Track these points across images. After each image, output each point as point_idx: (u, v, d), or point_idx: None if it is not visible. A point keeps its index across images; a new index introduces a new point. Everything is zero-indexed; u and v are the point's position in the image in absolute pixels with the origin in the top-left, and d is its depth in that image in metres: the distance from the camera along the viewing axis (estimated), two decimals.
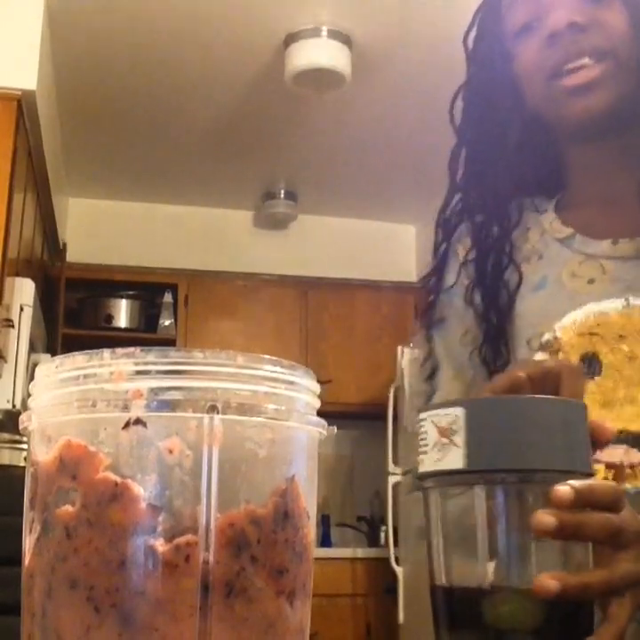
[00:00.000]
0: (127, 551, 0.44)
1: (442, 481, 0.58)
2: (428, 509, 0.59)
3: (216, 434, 0.45)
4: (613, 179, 1.00)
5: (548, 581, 0.53)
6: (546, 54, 0.95)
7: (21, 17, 3.42)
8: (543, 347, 0.94)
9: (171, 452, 0.44)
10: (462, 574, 0.58)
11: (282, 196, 5.36)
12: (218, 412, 0.45)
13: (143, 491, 0.44)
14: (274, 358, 0.48)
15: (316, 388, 0.51)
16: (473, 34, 1.10)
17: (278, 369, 0.48)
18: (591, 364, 0.91)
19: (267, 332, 5.30)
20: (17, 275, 3.65)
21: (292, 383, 0.48)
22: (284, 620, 0.46)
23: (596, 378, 0.90)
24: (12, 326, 3.57)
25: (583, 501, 0.55)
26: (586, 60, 0.93)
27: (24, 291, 3.69)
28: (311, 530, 0.49)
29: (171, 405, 0.44)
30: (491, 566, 0.56)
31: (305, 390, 0.50)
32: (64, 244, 4.86)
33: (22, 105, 3.42)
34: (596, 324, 0.93)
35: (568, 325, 0.94)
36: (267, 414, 0.46)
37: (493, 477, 0.57)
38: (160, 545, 0.44)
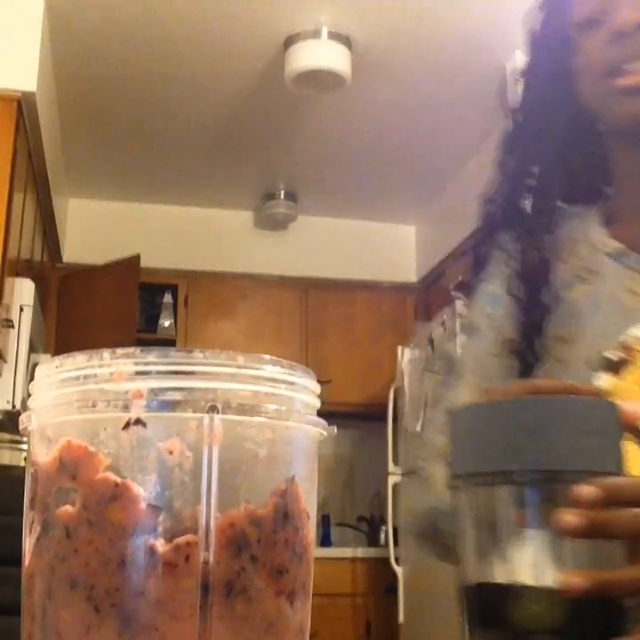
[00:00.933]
0: (127, 551, 0.44)
1: (467, 481, 0.59)
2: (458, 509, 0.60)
3: (216, 434, 0.45)
4: None
5: (575, 578, 0.52)
6: (609, 51, 0.92)
7: (22, 18, 3.43)
8: (605, 365, 0.90)
9: (171, 453, 0.44)
10: (491, 573, 0.57)
11: (282, 196, 5.36)
12: (218, 412, 0.45)
13: (143, 491, 0.44)
14: (274, 358, 0.48)
15: (316, 388, 0.51)
16: (535, 16, 1.06)
17: (278, 369, 0.48)
18: None
19: (267, 332, 5.31)
20: (17, 275, 3.65)
21: (292, 383, 0.49)
22: (284, 620, 0.46)
23: None
24: (12, 326, 3.58)
25: (610, 499, 0.54)
26: None
27: (24, 291, 3.69)
28: (311, 530, 0.49)
29: (171, 406, 0.45)
30: (519, 565, 0.56)
31: (305, 390, 0.50)
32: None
33: (22, 106, 3.43)
34: None
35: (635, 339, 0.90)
36: (267, 414, 0.46)
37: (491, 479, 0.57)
38: (160, 545, 0.44)
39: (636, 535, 0.55)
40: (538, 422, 0.55)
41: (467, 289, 1.07)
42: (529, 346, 0.96)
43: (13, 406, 3.52)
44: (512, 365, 0.96)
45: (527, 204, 1.03)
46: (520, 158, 1.04)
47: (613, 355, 0.90)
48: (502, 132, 1.07)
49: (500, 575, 0.56)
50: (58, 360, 0.47)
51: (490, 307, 1.03)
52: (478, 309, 1.04)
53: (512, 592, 0.55)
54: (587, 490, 0.53)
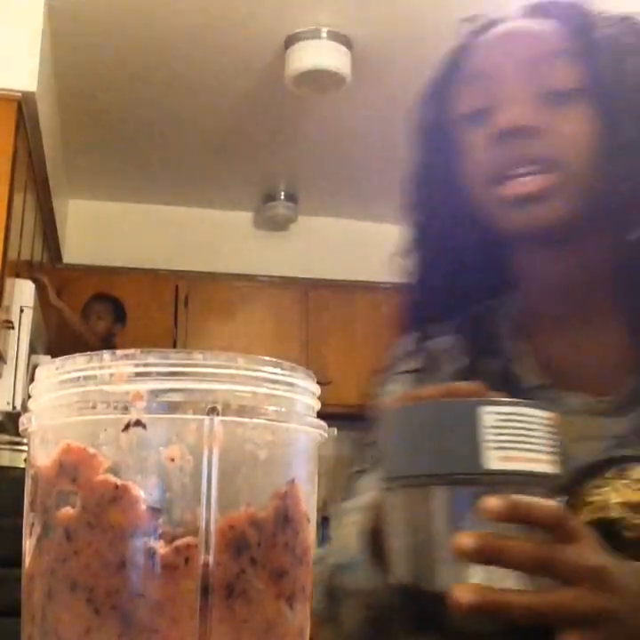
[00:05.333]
0: (127, 553, 0.44)
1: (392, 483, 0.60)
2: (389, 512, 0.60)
3: (216, 435, 0.44)
4: (579, 301, 0.90)
5: (465, 595, 0.51)
6: (489, 155, 0.86)
7: (22, 18, 3.42)
8: None
9: (172, 460, 0.44)
10: (425, 577, 0.57)
11: (282, 197, 5.36)
12: (218, 414, 0.45)
13: (143, 493, 0.44)
14: (274, 360, 0.48)
15: (317, 389, 0.51)
16: (423, 110, 1.01)
17: (278, 371, 0.48)
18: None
19: (267, 333, 5.30)
20: (17, 276, 3.65)
21: (292, 385, 0.49)
22: (283, 623, 0.46)
23: None
24: (12, 328, 3.57)
25: (515, 516, 0.54)
26: (531, 169, 0.83)
27: (24, 292, 3.69)
28: (311, 533, 0.49)
29: (171, 407, 0.44)
30: (455, 569, 0.55)
31: (305, 392, 0.50)
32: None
33: (22, 106, 3.42)
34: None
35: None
36: (267, 416, 0.46)
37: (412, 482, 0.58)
38: (160, 547, 0.44)
39: (532, 569, 0.54)
40: (463, 424, 0.56)
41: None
42: None
43: (13, 407, 3.52)
44: None
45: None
46: (424, 262, 0.98)
47: None
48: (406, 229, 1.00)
49: (435, 578, 0.56)
50: (58, 362, 0.47)
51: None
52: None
53: (445, 596, 0.54)
54: (493, 502, 0.53)
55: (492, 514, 0.53)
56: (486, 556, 0.53)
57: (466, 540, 0.53)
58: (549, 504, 0.56)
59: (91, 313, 4.85)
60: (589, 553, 0.57)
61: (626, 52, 0.86)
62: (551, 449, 0.57)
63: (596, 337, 0.88)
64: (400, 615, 0.57)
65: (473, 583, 0.53)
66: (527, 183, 0.83)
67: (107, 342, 4.67)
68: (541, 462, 0.56)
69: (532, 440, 0.56)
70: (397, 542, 0.60)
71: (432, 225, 0.98)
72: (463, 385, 0.66)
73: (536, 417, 0.57)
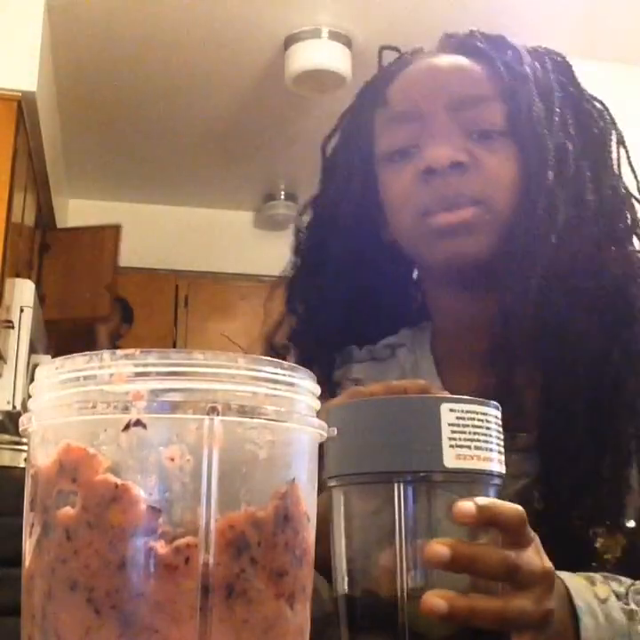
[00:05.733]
0: (127, 553, 0.44)
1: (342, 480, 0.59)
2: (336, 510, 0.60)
3: (216, 435, 0.44)
4: (491, 338, 0.90)
5: (437, 601, 0.52)
6: (420, 190, 0.88)
7: (22, 19, 3.43)
8: None
9: (172, 460, 0.44)
10: (376, 579, 0.57)
11: (282, 197, 5.37)
12: (218, 414, 0.44)
13: (143, 493, 0.44)
14: (274, 360, 0.48)
15: (317, 389, 0.51)
16: (335, 142, 1.02)
17: (279, 370, 0.48)
18: None
19: None
20: (17, 276, 3.65)
21: (292, 385, 0.48)
22: (284, 622, 0.46)
23: None
24: (12, 327, 3.58)
25: (486, 520, 0.54)
26: (458, 203, 0.86)
27: (24, 292, 3.69)
28: (311, 533, 0.49)
29: (171, 407, 0.44)
30: (408, 572, 0.55)
31: (305, 392, 0.50)
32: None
33: (22, 106, 3.43)
34: None
35: None
36: (267, 416, 0.46)
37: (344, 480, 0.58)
38: (160, 547, 0.44)
39: (500, 576, 0.55)
40: (414, 421, 0.56)
41: None
42: None
43: (13, 407, 3.53)
44: None
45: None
46: (328, 292, 0.99)
47: None
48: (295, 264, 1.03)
49: (387, 580, 0.56)
50: (58, 361, 0.47)
51: None
52: None
53: (401, 598, 0.54)
54: (465, 506, 0.53)
55: (466, 518, 0.53)
56: (460, 564, 0.53)
57: (441, 548, 0.53)
58: (513, 507, 0.56)
59: None
60: (541, 556, 0.59)
61: (540, 94, 0.88)
62: (497, 447, 0.57)
63: (511, 375, 0.88)
64: (349, 618, 0.57)
65: (444, 591, 0.53)
66: (455, 215, 0.85)
67: (112, 342, 4.68)
68: (494, 461, 0.56)
69: (488, 438, 0.56)
70: (344, 543, 0.59)
71: (345, 258, 0.97)
72: (411, 382, 0.66)
73: (490, 415, 0.57)
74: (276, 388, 0.47)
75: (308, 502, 0.49)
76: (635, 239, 0.90)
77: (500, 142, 0.88)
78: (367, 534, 0.59)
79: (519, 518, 0.57)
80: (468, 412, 0.56)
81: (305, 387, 0.50)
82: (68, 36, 3.71)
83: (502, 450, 0.57)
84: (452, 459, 0.55)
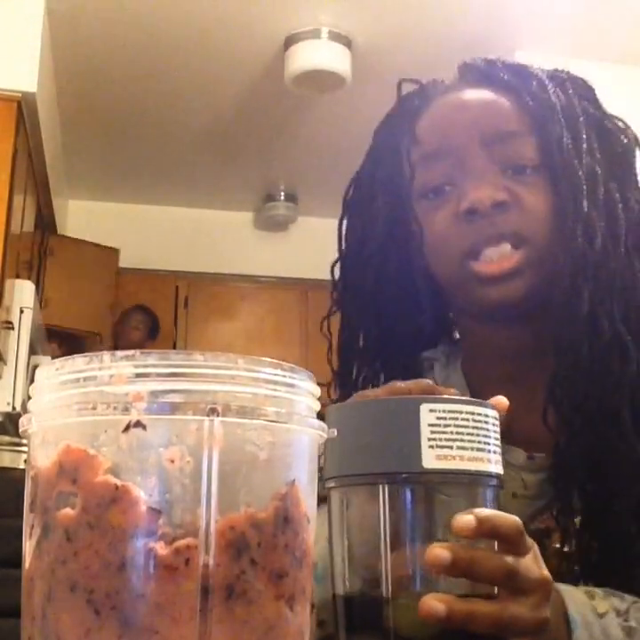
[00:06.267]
0: (127, 554, 0.44)
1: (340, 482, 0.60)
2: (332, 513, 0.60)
3: (216, 436, 0.44)
4: (522, 368, 0.93)
5: (435, 604, 0.52)
6: (462, 230, 0.88)
7: (22, 19, 3.43)
8: None
9: (172, 461, 0.44)
10: (367, 581, 0.58)
11: (282, 197, 5.37)
12: (218, 415, 0.44)
13: (143, 494, 0.44)
14: (274, 361, 0.48)
15: (317, 390, 0.51)
16: (364, 175, 1.02)
17: (279, 371, 0.48)
18: None
19: (267, 334, 5.31)
20: (17, 277, 3.65)
21: (292, 386, 0.48)
22: (283, 624, 0.46)
23: None
24: (12, 328, 3.58)
25: (485, 533, 0.55)
26: (505, 246, 0.86)
27: (24, 293, 3.70)
28: (311, 534, 0.49)
29: (171, 408, 0.44)
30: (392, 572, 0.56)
31: (305, 393, 0.50)
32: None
33: (22, 107, 3.43)
34: None
35: None
36: (267, 417, 0.46)
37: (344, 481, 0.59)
38: (160, 548, 0.43)
39: (498, 581, 0.56)
40: (404, 421, 0.56)
41: None
42: None
43: (13, 408, 3.53)
44: None
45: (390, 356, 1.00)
46: (367, 327, 1.01)
47: None
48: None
49: (379, 581, 0.56)
50: (58, 362, 0.47)
51: None
52: None
53: (391, 599, 0.55)
54: (464, 520, 0.54)
55: (465, 531, 0.54)
56: (460, 568, 0.54)
57: (442, 553, 0.53)
58: (512, 519, 0.57)
59: (130, 320, 4.94)
60: (539, 565, 0.59)
61: (567, 123, 0.88)
62: (491, 447, 0.57)
63: (531, 397, 0.89)
64: (344, 618, 0.58)
65: (443, 595, 0.53)
66: (500, 263, 0.86)
67: None
68: (481, 461, 0.56)
69: (473, 438, 0.56)
70: (341, 543, 0.59)
71: (376, 299, 0.98)
72: (415, 383, 0.67)
73: (476, 414, 0.57)
74: (275, 390, 0.47)
75: (309, 503, 0.49)
76: None
77: (533, 177, 0.88)
78: (358, 535, 0.59)
79: (517, 530, 0.57)
80: (450, 411, 0.56)
81: (305, 388, 0.50)
82: (68, 36, 3.71)
83: (495, 449, 0.57)
84: (432, 459, 0.55)
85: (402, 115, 0.98)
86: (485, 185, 0.86)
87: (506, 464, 0.78)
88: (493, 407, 0.59)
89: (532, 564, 0.59)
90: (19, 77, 3.38)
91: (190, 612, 0.43)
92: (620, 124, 0.95)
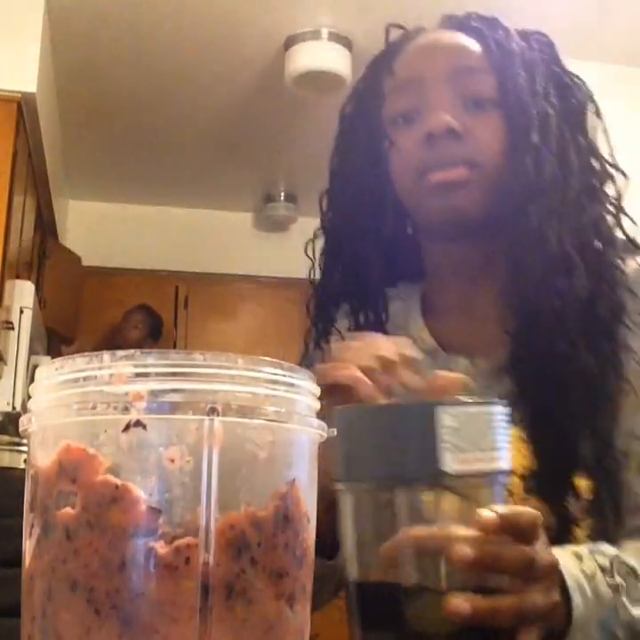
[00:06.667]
0: (127, 553, 0.44)
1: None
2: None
3: (216, 436, 0.45)
4: (474, 284, 1.03)
5: (461, 604, 0.54)
6: (420, 152, 0.98)
7: (22, 20, 3.43)
8: None
9: (172, 460, 0.44)
10: (385, 572, 0.59)
11: (282, 198, 5.36)
12: (218, 414, 0.45)
13: (143, 493, 0.44)
14: (274, 360, 0.48)
15: (317, 389, 0.51)
16: (349, 106, 1.14)
17: (279, 371, 0.48)
18: None
19: (267, 334, 5.30)
20: (17, 277, 3.65)
21: (292, 385, 0.49)
22: (284, 623, 0.46)
23: None
24: (12, 328, 3.58)
25: (507, 528, 0.57)
26: (457, 170, 0.96)
27: (24, 293, 3.70)
28: (311, 534, 0.49)
29: (171, 407, 0.45)
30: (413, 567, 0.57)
31: (305, 392, 0.50)
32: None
33: (22, 107, 3.43)
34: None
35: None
36: (267, 416, 0.46)
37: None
38: (160, 547, 0.44)
39: (520, 571, 0.59)
40: (421, 426, 0.57)
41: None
42: None
43: (13, 408, 3.52)
44: None
45: (355, 289, 1.08)
46: (342, 246, 1.09)
47: None
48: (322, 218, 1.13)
49: (393, 575, 0.58)
50: (58, 362, 0.47)
51: None
52: None
53: (406, 593, 0.57)
54: (486, 516, 0.56)
55: (488, 527, 0.56)
56: (485, 563, 0.56)
57: (466, 550, 0.55)
58: (530, 513, 0.60)
59: (130, 319, 4.93)
60: (548, 550, 0.63)
61: (525, 68, 0.99)
62: (502, 444, 0.58)
63: (482, 310, 1.02)
64: (358, 611, 0.60)
65: (466, 595, 0.55)
66: (450, 173, 0.96)
67: None
68: (496, 460, 0.57)
69: (488, 439, 0.57)
70: (353, 542, 0.60)
71: (352, 214, 1.08)
72: (451, 380, 0.72)
73: (491, 415, 0.58)
74: (275, 389, 0.47)
75: (308, 503, 0.49)
76: (606, 191, 1.01)
77: (491, 112, 0.98)
78: (371, 535, 0.60)
79: (535, 522, 0.60)
80: (467, 414, 0.57)
81: (305, 387, 0.50)
82: (68, 36, 3.71)
83: (505, 446, 0.59)
84: (451, 463, 0.55)
85: (383, 54, 1.12)
86: (444, 114, 0.96)
87: (454, 370, 0.89)
88: (503, 404, 0.60)
89: (543, 550, 0.61)
90: (19, 77, 3.37)
91: (190, 611, 0.43)
92: (577, 80, 1.04)
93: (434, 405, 0.57)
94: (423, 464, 0.56)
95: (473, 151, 0.96)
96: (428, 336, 1.04)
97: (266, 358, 0.48)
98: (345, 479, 0.60)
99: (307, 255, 1.14)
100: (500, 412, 0.59)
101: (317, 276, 1.14)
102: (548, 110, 0.98)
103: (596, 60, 3.39)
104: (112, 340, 4.87)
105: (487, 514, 0.56)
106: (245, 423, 0.46)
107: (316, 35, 3.68)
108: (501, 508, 0.57)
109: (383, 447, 0.58)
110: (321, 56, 3.69)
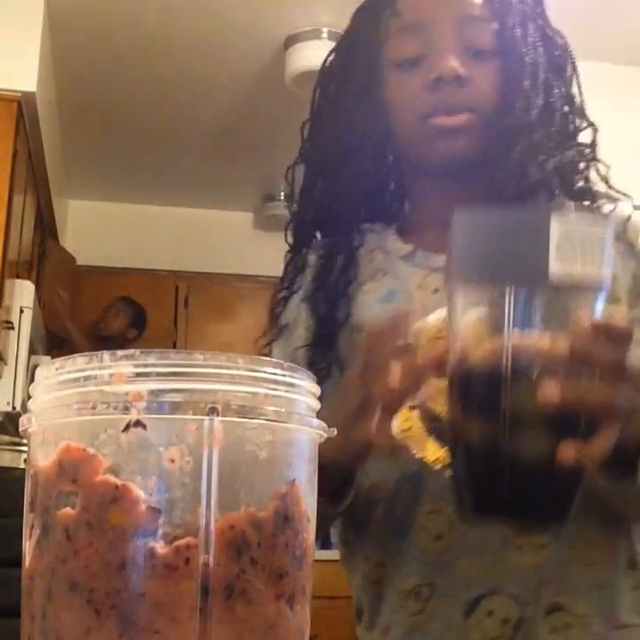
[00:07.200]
0: (127, 553, 0.44)
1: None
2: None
3: (216, 436, 0.45)
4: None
5: (552, 389, 0.61)
6: (427, 96, 1.00)
7: (22, 19, 3.42)
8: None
9: (172, 460, 0.44)
10: (486, 365, 0.64)
11: (282, 197, 5.36)
12: (218, 414, 0.45)
13: (143, 493, 0.44)
14: (274, 360, 0.48)
15: (317, 390, 0.51)
16: (344, 43, 1.17)
17: (279, 371, 0.48)
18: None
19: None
20: (17, 277, 3.65)
21: (292, 385, 0.49)
22: (283, 623, 0.46)
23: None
24: (12, 328, 3.58)
25: (601, 333, 0.63)
26: (460, 117, 1.00)
27: (24, 293, 3.69)
28: (311, 534, 0.49)
29: (171, 407, 0.45)
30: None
31: (305, 392, 0.50)
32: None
33: (22, 107, 3.43)
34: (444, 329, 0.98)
35: (418, 330, 0.97)
36: (267, 416, 0.46)
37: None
38: (160, 547, 0.44)
39: (609, 369, 0.65)
40: (535, 232, 0.62)
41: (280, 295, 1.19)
42: (330, 339, 1.05)
43: (13, 408, 3.52)
44: (315, 357, 1.05)
45: (331, 220, 1.13)
46: (325, 181, 1.14)
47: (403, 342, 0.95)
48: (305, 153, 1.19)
49: (494, 367, 0.63)
50: (58, 362, 0.47)
51: (296, 309, 1.12)
52: (288, 311, 1.13)
53: (504, 382, 0.63)
54: (587, 318, 0.63)
55: (584, 333, 0.63)
56: (579, 356, 0.63)
57: (559, 341, 0.62)
58: (622, 323, 0.67)
59: (110, 310, 4.93)
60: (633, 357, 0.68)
61: (520, 20, 1.04)
62: (608, 264, 0.63)
63: None
64: (464, 399, 0.66)
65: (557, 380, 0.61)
66: (452, 119, 0.99)
67: (116, 344, 4.66)
68: (601, 275, 0.63)
69: (596, 255, 0.63)
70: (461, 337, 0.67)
71: (337, 150, 1.11)
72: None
73: (598, 231, 0.63)
74: (275, 389, 0.47)
75: (308, 502, 0.49)
76: (580, 137, 1.08)
77: (488, 60, 1.02)
78: (480, 328, 0.65)
79: (628, 332, 0.66)
80: (580, 228, 0.62)
81: (305, 387, 0.50)
82: (67, 36, 3.70)
83: (608, 263, 0.63)
84: (559, 268, 0.61)
85: None
86: (453, 59, 0.99)
87: (430, 270, 1.02)
88: (611, 224, 0.67)
89: (634, 358, 0.67)
90: (19, 77, 3.37)
91: (190, 612, 0.43)
92: (560, 36, 1.10)
93: (549, 213, 0.62)
94: (533, 267, 0.61)
95: (474, 97, 1.00)
96: (402, 244, 1.08)
97: (266, 358, 0.48)
98: (459, 279, 0.65)
99: (286, 180, 1.20)
100: (608, 231, 0.64)
101: (295, 203, 1.20)
102: (538, 60, 1.04)
103: (596, 60, 3.38)
104: (94, 334, 4.81)
105: (585, 317, 0.63)
106: (245, 423, 0.46)
107: (315, 34, 3.68)
108: (597, 319, 0.63)
109: (497, 250, 0.63)
110: (321, 55, 3.67)
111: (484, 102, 1.01)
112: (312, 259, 1.14)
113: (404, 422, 0.73)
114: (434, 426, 0.73)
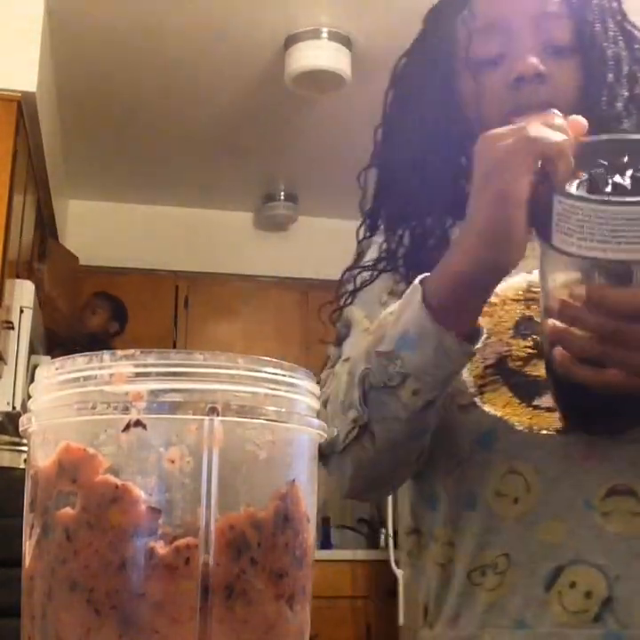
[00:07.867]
0: (127, 553, 0.44)
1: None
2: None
3: (216, 436, 0.44)
4: None
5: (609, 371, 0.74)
6: (508, 95, 1.01)
7: (22, 19, 3.43)
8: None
9: (172, 460, 0.44)
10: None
11: (282, 197, 5.36)
12: (218, 414, 0.44)
13: (143, 493, 0.44)
14: (274, 360, 0.48)
15: (317, 390, 0.51)
16: (421, 44, 1.16)
17: (279, 371, 0.48)
18: (527, 326, 0.98)
19: (267, 333, 5.30)
20: (17, 276, 3.65)
21: (292, 385, 0.48)
22: (283, 623, 0.46)
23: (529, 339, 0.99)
24: (12, 328, 3.58)
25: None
26: (541, 107, 0.99)
27: (24, 293, 3.69)
28: (311, 534, 0.49)
29: (171, 407, 0.44)
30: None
31: (306, 392, 0.50)
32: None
33: (22, 107, 3.43)
34: (529, 289, 1.00)
35: (503, 290, 0.98)
36: (267, 416, 0.46)
37: None
38: (160, 547, 0.44)
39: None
40: None
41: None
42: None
43: (13, 408, 3.52)
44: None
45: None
46: (401, 185, 1.12)
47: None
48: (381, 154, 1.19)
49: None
50: (58, 362, 0.47)
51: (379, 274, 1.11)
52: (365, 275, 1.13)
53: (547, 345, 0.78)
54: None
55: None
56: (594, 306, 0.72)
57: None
58: None
59: (88, 305, 4.89)
60: None
61: (601, 14, 1.05)
62: None
63: None
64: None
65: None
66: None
67: (99, 340, 4.64)
68: None
69: None
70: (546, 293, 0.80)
71: (420, 151, 1.11)
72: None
73: None
74: (275, 389, 0.47)
75: (308, 503, 0.49)
76: None
77: (568, 57, 1.03)
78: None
79: None
80: None
81: (305, 387, 0.50)
82: (67, 36, 3.71)
83: None
84: None
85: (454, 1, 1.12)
86: (533, 57, 1.00)
87: None
88: None
89: None
90: (19, 77, 3.37)
91: (190, 612, 0.43)
92: (638, 30, 1.10)
93: None
94: None
95: (556, 94, 1.00)
96: None
97: (266, 358, 0.48)
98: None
99: (358, 181, 1.19)
100: None
101: (367, 203, 1.19)
102: (621, 53, 1.05)
103: None
104: (74, 332, 4.75)
105: None
106: (245, 423, 0.46)
107: (315, 34, 3.68)
108: None
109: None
110: (321, 55, 3.69)
111: (566, 99, 1.01)
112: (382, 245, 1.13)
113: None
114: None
